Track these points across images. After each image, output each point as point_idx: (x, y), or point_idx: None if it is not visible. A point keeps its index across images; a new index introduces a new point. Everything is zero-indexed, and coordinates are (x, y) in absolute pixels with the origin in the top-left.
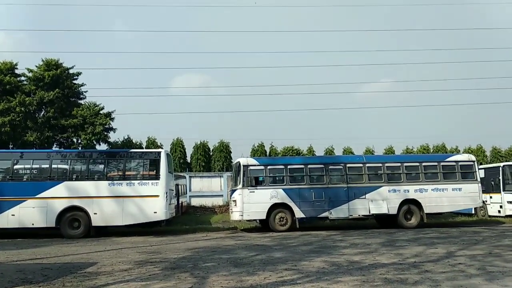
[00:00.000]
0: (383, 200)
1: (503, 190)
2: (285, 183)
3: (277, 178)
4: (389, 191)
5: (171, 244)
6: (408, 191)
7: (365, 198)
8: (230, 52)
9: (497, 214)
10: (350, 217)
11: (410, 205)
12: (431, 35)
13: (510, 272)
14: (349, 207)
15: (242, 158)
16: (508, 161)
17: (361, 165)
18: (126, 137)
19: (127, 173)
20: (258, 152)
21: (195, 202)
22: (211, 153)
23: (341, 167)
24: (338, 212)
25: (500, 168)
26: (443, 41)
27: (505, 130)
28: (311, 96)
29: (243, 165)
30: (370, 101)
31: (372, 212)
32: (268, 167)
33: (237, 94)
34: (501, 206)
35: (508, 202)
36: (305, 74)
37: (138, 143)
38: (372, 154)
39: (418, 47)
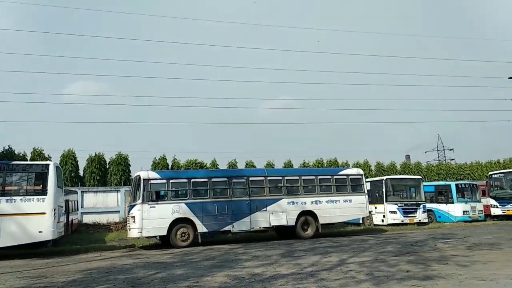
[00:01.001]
0: (282, 212)
1: (386, 201)
2: (188, 197)
3: (179, 192)
4: (288, 203)
5: (58, 266)
6: (305, 203)
7: (266, 210)
8: (130, 61)
9: (381, 223)
10: (252, 229)
11: (307, 216)
12: (325, 57)
13: (394, 276)
14: (251, 220)
15: (142, 171)
16: (390, 174)
17: (262, 178)
18: (6, 147)
19: (7, 188)
20: (159, 165)
21: (88, 219)
22: (107, 166)
23: (244, 180)
24: (241, 225)
25: (383, 181)
26: (334, 62)
27: (386, 147)
28: (217, 110)
29: (144, 179)
30: (271, 117)
31: (273, 224)
32: (171, 180)
33: (138, 105)
34: (384, 216)
35: (390, 212)
36: (209, 88)
37: (21, 155)
38: (273, 167)
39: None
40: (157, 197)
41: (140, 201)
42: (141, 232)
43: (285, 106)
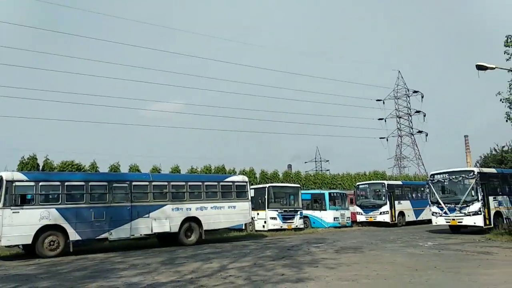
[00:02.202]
0: (166, 218)
1: (267, 208)
2: (60, 202)
3: (50, 197)
4: (172, 209)
5: None
6: (190, 209)
7: (148, 217)
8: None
9: (262, 228)
10: (132, 236)
11: (191, 222)
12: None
13: (270, 279)
14: (131, 227)
15: (5, 171)
16: (273, 182)
17: (147, 183)
18: None
19: None
20: (28, 165)
21: None
22: None
23: (126, 185)
24: (119, 232)
25: (266, 189)
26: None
27: (270, 156)
28: (99, 108)
29: (7, 180)
30: (160, 121)
31: (155, 230)
32: (40, 183)
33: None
34: (265, 222)
35: (270, 218)
36: (91, 84)
37: None
38: (159, 172)
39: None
40: (23, 201)
41: (1, 205)
42: (0, 240)
43: (177, 110)
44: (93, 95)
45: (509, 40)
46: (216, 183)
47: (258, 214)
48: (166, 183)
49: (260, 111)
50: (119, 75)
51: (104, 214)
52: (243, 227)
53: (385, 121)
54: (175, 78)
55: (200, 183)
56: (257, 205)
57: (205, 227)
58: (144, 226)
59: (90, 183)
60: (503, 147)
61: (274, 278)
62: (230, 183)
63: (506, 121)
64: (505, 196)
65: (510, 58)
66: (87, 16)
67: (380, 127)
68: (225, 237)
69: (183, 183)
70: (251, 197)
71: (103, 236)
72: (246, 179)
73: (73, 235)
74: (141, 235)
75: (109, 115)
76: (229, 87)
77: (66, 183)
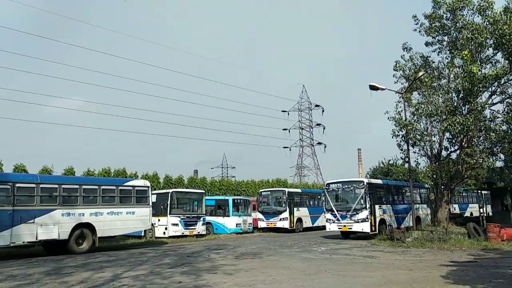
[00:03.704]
0: (54, 224)
1: (169, 214)
2: None
3: None
4: (62, 214)
5: None
6: (83, 215)
7: (33, 222)
8: None
9: (163, 235)
10: (13, 244)
11: (84, 229)
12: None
13: (167, 287)
14: (12, 233)
15: None
16: (177, 188)
17: (34, 185)
18: None
19: None
20: None
21: None
22: None
23: (8, 186)
24: None
25: (169, 194)
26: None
27: (175, 161)
28: None
29: None
30: (57, 117)
31: (40, 238)
32: None
33: None
34: (166, 228)
35: (172, 224)
36: None
37: None
38: (50, 174)
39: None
40: None
41: None
42: None
43: (77, 107)
44: None
45: (397, 65)
46: (114, 187)
47: (159, 220)
48: (56, 186)
49: (168, 114)
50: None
51: None
52: (142, 234)
53: (289, 131)
54: (75, 72)
55: (96, 187)
56: (158, 211)
57: (99, 234)
58: (28, 232)
59: None
60: (389, 160)
61: (171, 286)
62: (130, 188)
63: (392, 137)
64: (388, 205)
65: (397, 81)
66: None
67: (284, 137)
68: (121, 244)
69: (77, 186)
70: (153, 202)
71: None
72: (148, 183)
73: None
74: (24, 242)
75: None
76: (135, 87)
77: None
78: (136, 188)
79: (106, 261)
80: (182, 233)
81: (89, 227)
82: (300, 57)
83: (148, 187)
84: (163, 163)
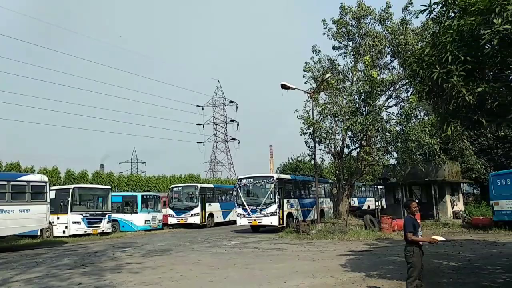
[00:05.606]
0: None
1: (71, 211)
2: None
3: None
4: None
5: None
6: None
7: None
8: None
9: (62, 234)
10: None
11: None
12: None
13: None
14: None
15: None
16: (80, 183)
17: None
18: None
19: None
20: None
21: None
22: None
23: None
24: None
25: (70, 190)
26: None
27: (79, 155)
28: None
29: None
30: None
31: None
32: None
33: None
34: (66, 227)
35: (73, 222)
36: None
37: None
38: None
39: None
40: None
41: None
42: None
43: None
44: None
45: (307, 66)
46: (5, 183)
47: (58, 218)
48: None
49: (71, 104)
50: None
51: None
52: (38, 234)
53: (203, 126)
54: None
55: None
56: (57, 208)
57: None
58: None
59: None
60: (298, 157)
61: None
62: (25, 183)
63: (300, 134)
64: (296, 199)
65: (307, 81)
66: None
67: (198, 132)
68: (13, 245)
69: None
70: (52, 199)
71: None
72: (46, 178)
73: None
74: None
75: None
76: (37, 74)
77: None
78: (32, 183)
79: None
80: (85, 232)
81: None
82: (217, 52)
83: (45, 182)
84: (66, 157)
